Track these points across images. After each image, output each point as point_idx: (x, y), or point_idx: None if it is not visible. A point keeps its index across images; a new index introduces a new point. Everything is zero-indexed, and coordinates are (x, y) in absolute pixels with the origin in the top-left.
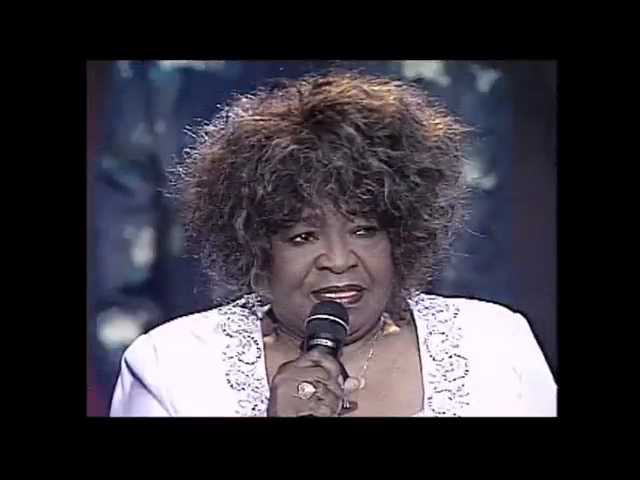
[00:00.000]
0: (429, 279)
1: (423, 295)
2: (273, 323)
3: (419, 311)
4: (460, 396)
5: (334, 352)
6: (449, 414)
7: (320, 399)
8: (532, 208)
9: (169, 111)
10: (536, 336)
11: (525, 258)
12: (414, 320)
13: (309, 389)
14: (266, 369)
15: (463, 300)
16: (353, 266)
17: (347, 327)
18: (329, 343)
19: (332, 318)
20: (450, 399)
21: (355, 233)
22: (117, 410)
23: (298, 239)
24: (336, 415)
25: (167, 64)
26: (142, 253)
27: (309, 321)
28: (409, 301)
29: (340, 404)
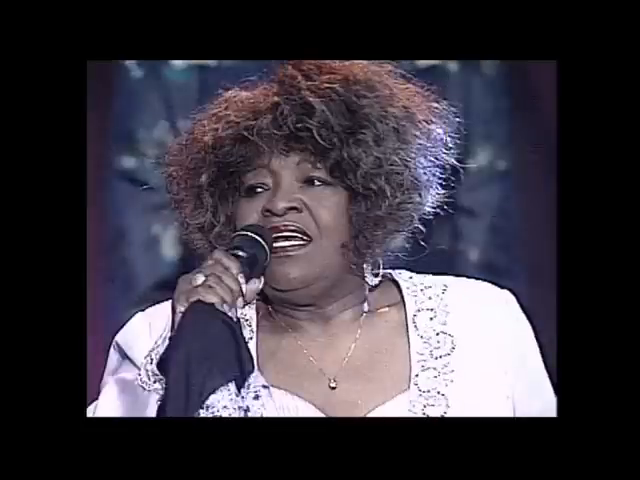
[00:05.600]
0: (389, 242)
1: (412, 273)
2: (266, 304)
3: (407, 288)
4: (445, 374)
5: (250, 264)
6: (433, 392)
7: (210, 287)
8: (531, 208)
9: (190, 108)
10: (536, 336)
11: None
12: (403, 298)
13: (200, 279)
14: (257, 350)
15: (451, 277)
16: (296, 209)
17: (267, 247)
18: (240, 253)
19: (250, 234)
20: (435, 377)
21: (306, 183)
22: (104, 392)
23: (251, 191)
24: (233, 309)
25: (185, 61)
26: (172, 249)
27: (231, 239)
28: (398, 280)
29: (236, 299)
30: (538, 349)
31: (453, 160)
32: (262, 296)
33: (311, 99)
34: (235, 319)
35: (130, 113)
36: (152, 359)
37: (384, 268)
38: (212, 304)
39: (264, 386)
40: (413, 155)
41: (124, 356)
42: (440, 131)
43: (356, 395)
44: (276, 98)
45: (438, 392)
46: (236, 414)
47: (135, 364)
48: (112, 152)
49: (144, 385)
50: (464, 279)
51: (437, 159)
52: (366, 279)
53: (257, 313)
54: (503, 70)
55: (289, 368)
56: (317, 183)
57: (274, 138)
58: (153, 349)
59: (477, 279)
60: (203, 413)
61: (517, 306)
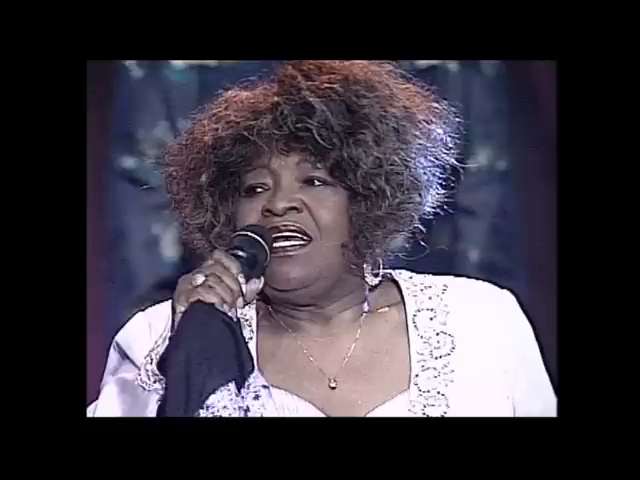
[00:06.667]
0: (390, 243)
1: (412, 273)
2: (266, 304)
3: (408, 288)
4: (445, 374)
5: (250, 264)
6: (433, 392)
7: (210, 287)
8: (531, 208)
9: (190, 108)
10: (536, 336)
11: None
12: (403, 298)
13: (200, 279)
14: (257, 350)
15: (451, 277)
16: (296, 209)
17: (267, 247)
18: (240, 253)
19: (250, 234)
20: (435, 377)
21: (306, 183)
22: (105, 393)
23: (251, 191)
24: (233, 309)
25: (185, 61)
26: (172, 249)
27: (231, 239)
28: (398, 280)
29: (236, 299)
30: (538, 349)
31: (453, 160)
32: (262, 296)
33: (311, 99)
34: (235, 319)
35: (130, 113)
36: (152, 359)
37: (384, 268)
38: (212, 304)
39: (264, 386)
40: (413, 155)
41: (124, 356)
42: (440, 131)
43: (356, 395)
44: (276, 98)
45: (438, 392)
46: (236, 414)
47: (135, 364)
48: (112, 152)
49: (144, 385)
50: (464, 279)
51: (437, 159)
52: (366, 279)
53: (257, 313)
54: (503, 70)
55: (289, 368)
56: (317, 183)
57: (274, 138)
58: (153, 349)
59: (477, 279)
60: (203, 413)
61: (517, 306)
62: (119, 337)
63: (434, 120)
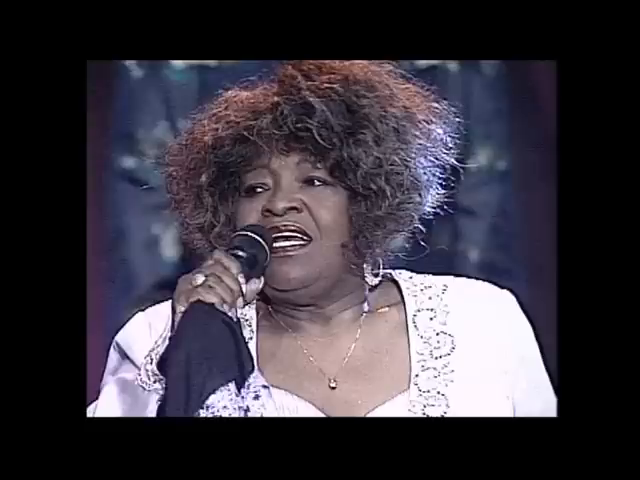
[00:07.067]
0: (390, 244)
1: (412, 273)
2: (266, 304)
3: (408, 288)
4: (445, 374)
5: (250, 264)
6: (433, 392)
7: (210, 287)
8: (531, 208)
9: (190, 108)
10: (536, 336)
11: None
12: (403, 298)
13: (200, 279)
14: (257, 350)
15: (451, 277)
16: (296, 209)
17: (267, 247)
18: (240, 253)
19: (250, 234)
20: (435, 377)
21: (306, 183)
22: (104, 394)
23: (251, 191)
24: (233, 309)
25: (185, 61)
26: (172, 249)
27: (231, 239)
28: (398, 280)
29: (236, 299)
30: (538, 349)
31: (453, 160)
32: (262, 296)
33: (311, 99)
34: (235, 319)
35: (130, 113)
36: (152, 359)
37: (384, 268)
38: (212, 304)
39: (264, 386)
40: (413, 155)
41: (124, 356)
42: (440, 131)
43: (356, 395)
44: (276, 98)
45: (438, 392)
46: (236, 414)
47: (135, 364)
48: (112, 152)
49: (144, 385)
50: (464, 279)
51: (437, 159)
52: (366, 279)
53: (257, 313)
54: (503, 70)
55: (289, 368)
56: (317, 183)
57: (274, 138)
58: (153, 349)
59: (477, 279)
60: (203, 413)
61: (517, 306)
62: (119, 337)
63: (434, 120)
